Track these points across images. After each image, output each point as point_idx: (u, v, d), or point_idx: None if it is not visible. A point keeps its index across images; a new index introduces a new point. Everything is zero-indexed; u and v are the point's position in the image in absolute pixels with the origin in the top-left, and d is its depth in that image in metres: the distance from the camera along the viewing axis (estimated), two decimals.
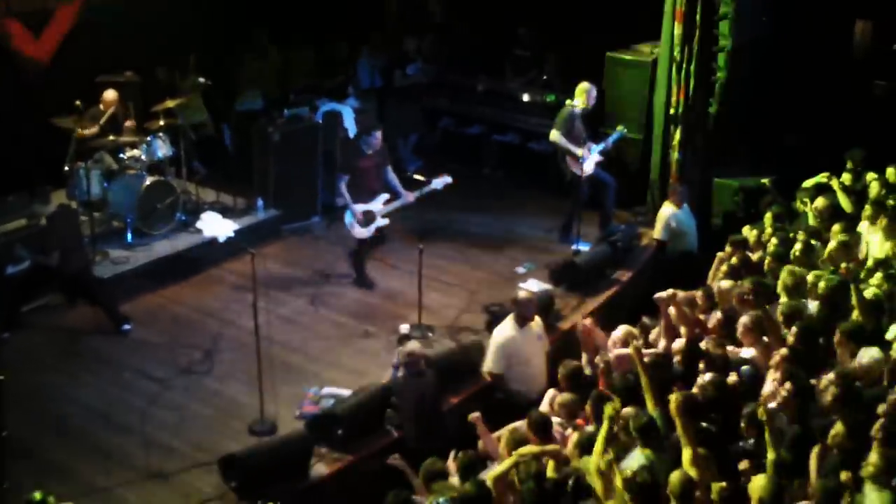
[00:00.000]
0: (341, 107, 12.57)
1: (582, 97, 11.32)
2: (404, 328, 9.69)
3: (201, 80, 12.22)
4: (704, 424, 6.74)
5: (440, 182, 10.51)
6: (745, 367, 7.45)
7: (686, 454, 6.28)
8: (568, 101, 11.35)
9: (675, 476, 5.96)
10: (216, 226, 8.98)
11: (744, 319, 7.89)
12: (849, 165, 10.85)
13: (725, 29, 11.85)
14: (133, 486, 7.65)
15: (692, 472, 6.12)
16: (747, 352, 7.80)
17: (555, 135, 11.29)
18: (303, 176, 12.00)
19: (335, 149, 12.35)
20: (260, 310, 8.25)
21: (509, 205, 12.66)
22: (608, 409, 6.44)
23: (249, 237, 9.80)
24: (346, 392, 8.54)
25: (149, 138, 11.10)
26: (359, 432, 8.09)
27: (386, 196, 10.40)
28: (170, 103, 11.32)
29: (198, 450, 8.05)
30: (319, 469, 7.84)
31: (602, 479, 6.19)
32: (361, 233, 10.39)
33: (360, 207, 10.30)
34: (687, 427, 6.36)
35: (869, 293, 8.07)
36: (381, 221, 10.41)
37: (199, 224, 9.94)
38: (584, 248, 11.16)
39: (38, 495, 6.13)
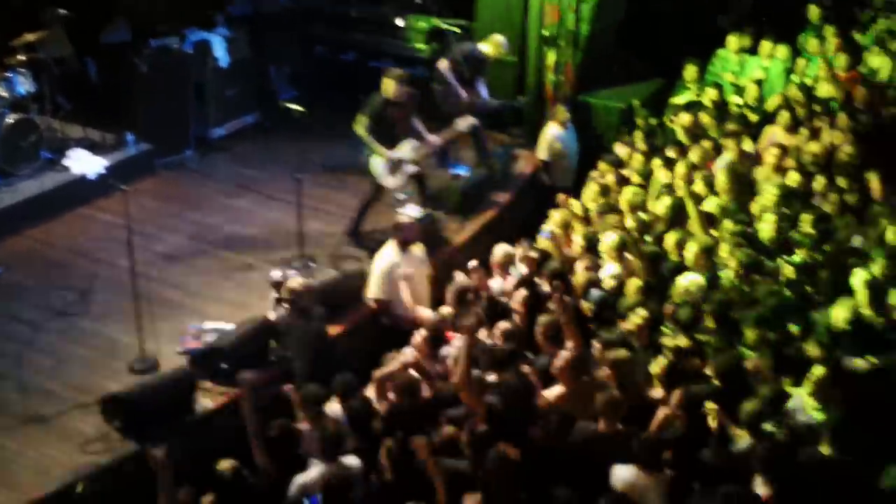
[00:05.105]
0: (211, 36, 12.21)
1: (495, 47, 11.18)
2: (275, 275, 8.66)
3: (62, 11, 11.71)
4: None
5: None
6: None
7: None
8: (444, 25, 11.18)
9: None
10: (85, 163, 8.69)
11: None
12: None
13: None
14: (11, 431, 7.49)
15: None
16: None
17: (443, 63, 11.18)
18: (174, 108, 11.66)
19: (206, 80, 12.04)
20: (136, 247, 8.07)
21: None
22: None
23: (121, 173, 9.50)
24: (229, 326, 8.48)
25: (8, 74, 10.62)
26: (244, 365, 8.03)
27: (414, 143, 9.96)
28: (30, 37, 10.84)
29: (77, 391, 7.91)
30: (205, 404, 7.80)
31: None
32: (390, 181, 9.89)
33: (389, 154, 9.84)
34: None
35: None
36: (410, 168, 9.99)
37: (66, 161, 9.60)
38: (461, 172, 11.19)
39: None
